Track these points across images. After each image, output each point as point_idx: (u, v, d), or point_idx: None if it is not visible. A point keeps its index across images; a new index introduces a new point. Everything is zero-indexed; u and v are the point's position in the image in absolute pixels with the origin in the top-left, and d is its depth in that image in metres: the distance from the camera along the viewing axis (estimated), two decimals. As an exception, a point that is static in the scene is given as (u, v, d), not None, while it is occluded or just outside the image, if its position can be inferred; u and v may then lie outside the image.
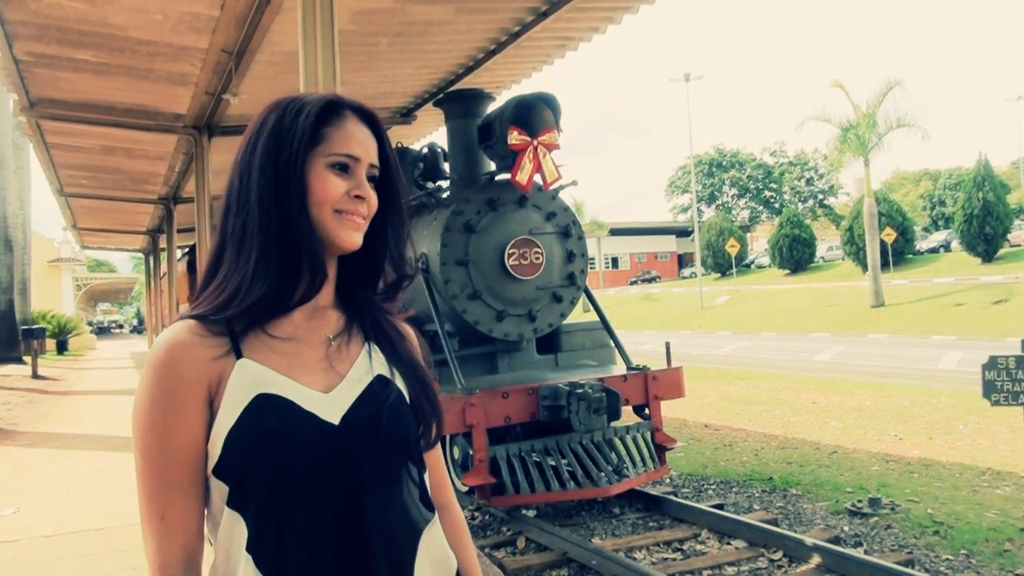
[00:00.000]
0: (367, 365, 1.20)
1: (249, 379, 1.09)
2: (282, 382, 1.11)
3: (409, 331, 1.33)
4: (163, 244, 23.82)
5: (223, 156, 11.95)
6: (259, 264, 1.13)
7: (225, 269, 1.16)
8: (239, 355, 1.11)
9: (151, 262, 30.89)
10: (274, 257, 1.13)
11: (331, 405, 1.12)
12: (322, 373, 1.16)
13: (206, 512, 1.11)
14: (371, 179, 1.20)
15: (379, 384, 1.18)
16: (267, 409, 1.08)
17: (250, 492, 1.06)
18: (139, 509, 1.09)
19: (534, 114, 5.86)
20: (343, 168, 1.16)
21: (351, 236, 1.17)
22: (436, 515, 1.22)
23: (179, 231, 19.79)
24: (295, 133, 1.15)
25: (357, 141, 1.18)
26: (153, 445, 1.07)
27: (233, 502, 1.07)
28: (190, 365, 1.08)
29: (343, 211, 1.16)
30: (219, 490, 1.08)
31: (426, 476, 1.21)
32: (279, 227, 1.13)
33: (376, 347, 1.24)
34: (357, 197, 1.16)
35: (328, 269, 1.20)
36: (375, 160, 1.20)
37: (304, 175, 1.14)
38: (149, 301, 34.43)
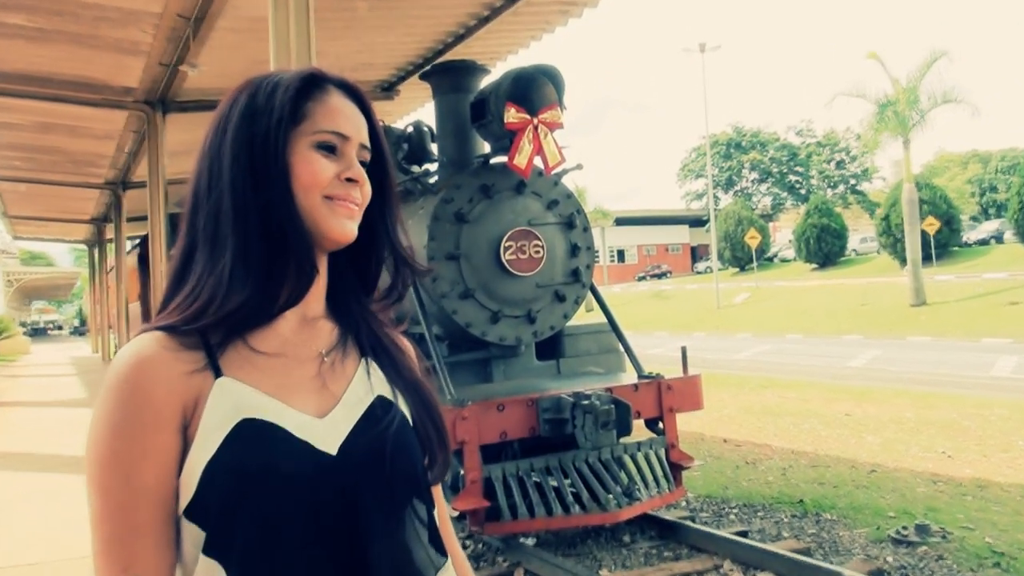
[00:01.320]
0: (366, 384, 1.18)
1: (231, 401, 1.05)
2: (270, 405, 1.07)
3: (408, 345, 1.31)
4: (110, 234, 23.75)
5: (180, 135, 11.91)
6: (237, 263, 1.10)
7: (197, 272, 1.13)
8: (218, 373, 1.07)
9: (96, 255, 30.78)
10: (255, 254, 1.10)
11: (327, 432, 1.09)
12: (315, 394, 1.13)
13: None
14: (362, 163, 1.18)
15: (381, 407, 1.16)
16: (253, 437, 1.04)
17: (233, 537, 1.01)
18: (94, 560, 1.03)
19: (534, 89, 5.83)
20: (330, 148, 1.14)
21: (345, 226, 1.14)
22: (448, 559, 1.19)
23: (129, 220, 19.72)
24: (272, 110, 1.12)
25: (345, 117, 1.16)
26: (115, 482, 1.01)
27: (211, 549, 1.01)
28: (160, 385, 1.04)
29: (334, 197, 1.13)
30: (192, 535, 1.03)
31: (435, 514, 1.19)
32: (259, 218, 1.11)
33: (374, 363, 1.21)
34: (349, 180, 1.14)
35: (319, 268, 1.17)
36: (366, 140, 1.18)
37: (286, 157, 1.12)
38: (93, 299, 34.29)
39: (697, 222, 64.78)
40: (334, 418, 1.11)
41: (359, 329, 1.24)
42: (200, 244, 1.15)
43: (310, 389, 1.13)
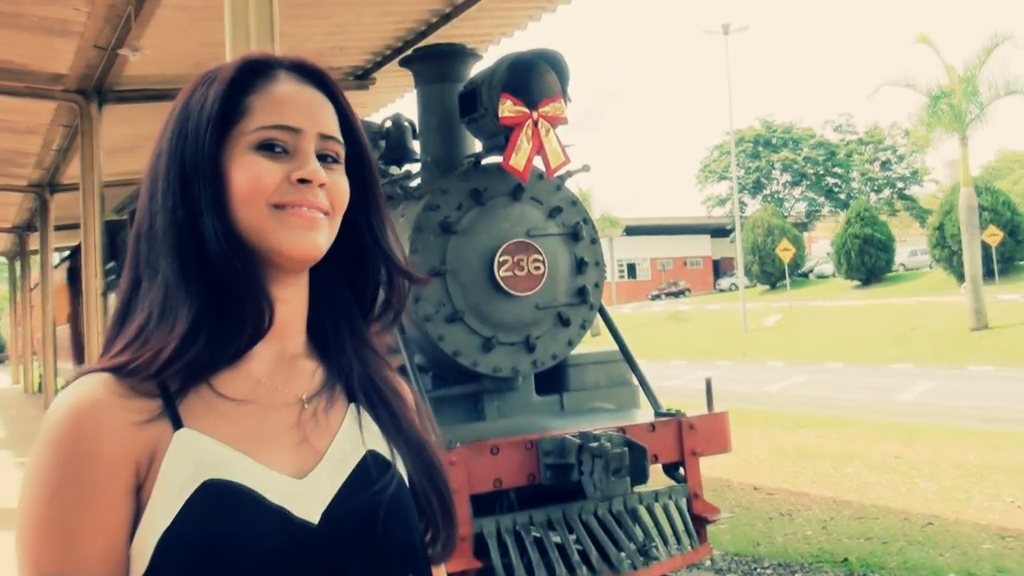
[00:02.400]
0: (355, 437, 1.15)
1: (192, 458, 1.03)
2: (239, 463, 1.05)
3: (406, 389, 1.28)
4: (35, 245, 23.67)
5: (119, 129, 11.91)
6: (177, 295, 1.08)
7: (145, 309, 1.11)
8: (177, 423, 1.05)
9: (17, 269, 30.71)
10: (194, 283, 1.08)
11: (307, 496, 1.07)
12: (293, 449, 1.10)
13: None
14: (330, 158, 1.15)
15: (374, 466, 1.13)
16: (218, 502, 1.01)
17: None
18: None
19: (534, 78, 5.83)
20: (275, 147, 1.11)
21: (302, 239, 1.11)
22: None
23: (57, 228, 19.68)
24: (203, 109, 1.11)
25: (294, 106, 1.13)
26: (53, 553, 0.98)
27: None
28: (108, 438, 1.01)
29: (285, 204, 1.10)
30: None
31: None
32: (191, 240, 1.09)
33: (367, 412, 1.19)
34: (302, 182, 1.11)
35: (281, 296, 1.14)
36: (329, 129, 1.15)
37: (220, 164, 1.09)
38: (13, 321, 34.17)
39: (720, 232, 64.99)
40: (316, 479, 1.09)
41: (350, 368, 1.21)
42: (143, 274, 1.13)
43: (287, 443, 1.10)
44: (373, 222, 1.22)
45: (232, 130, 1.10)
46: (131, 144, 13.37)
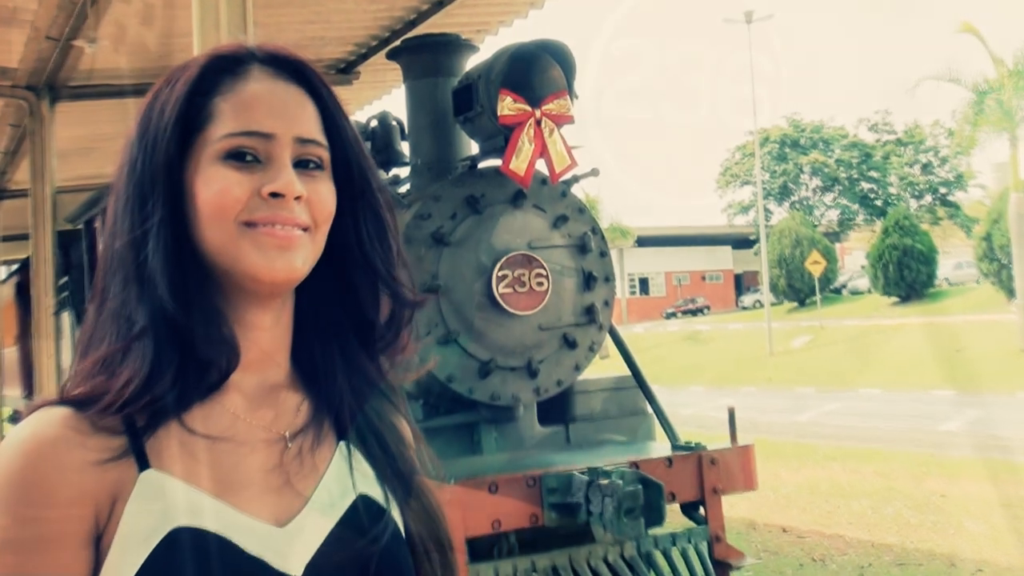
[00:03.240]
0: (344, 480, 1.15)
1: (159, 503, 1.02)
2: (212, 509, 1.04)
3: (406, 427, 1.27)
4: (-22, 258, 23.68)
5: (73, 129, 11.93)
6: (145, 330, 1.07)
7: (108, 337, 1.10)
8: (143, 464, 1.04)
9: (-41, 284, 30.69)
10: (160, 318, 1.07)
11: (289, 546, 1.06)
12: (274, 493, 1.10)
13: None
14: (311, 164, 1.14)
15: (366, 512, 1.13)
16: (188, 553, 1.00)
17: None
18: None
19: (536, 72, 5.85)
20: (244, 156, 1.09)
21: (273, 261, 1.09)
22: None
23: (4, 239, 19.66)
24: (164, 114, 1.10)
25: (266, 108, 1.12)
26: None
27: None
28: (65, 480, 1.00)
29: (256, 222, 1.09)
30: None
31: None
32: (149, 263, 1.08)
33: (358, 450, 1.18)
34: (274, 196, 1.09)
35: (259, 323, 1.13)
36: (308, 132, 1.14)
37: (180, 178, 1.08)
38: (-44, 342, 34.10)
39: (743, 243, 65.08)
40: (299, 527, 1.08)
41: (340, 401, 1.20)
42: (108, 294, 1.13)
43: (267, 486, 1.10)
44: (364, 235, 1.20)
45: (197, 137, 1.09)
46: (87, 146, 13.38)
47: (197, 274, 1.09)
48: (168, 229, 1.07)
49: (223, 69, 1.13)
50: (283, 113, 1.12)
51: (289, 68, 1.17)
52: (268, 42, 1.19)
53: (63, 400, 1.06)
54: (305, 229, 1.11)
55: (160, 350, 1.06)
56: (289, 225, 1.10)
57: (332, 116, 1.18)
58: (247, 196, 1.08)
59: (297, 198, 1.10)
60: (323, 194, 1.14)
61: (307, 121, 1.14)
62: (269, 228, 1.09)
